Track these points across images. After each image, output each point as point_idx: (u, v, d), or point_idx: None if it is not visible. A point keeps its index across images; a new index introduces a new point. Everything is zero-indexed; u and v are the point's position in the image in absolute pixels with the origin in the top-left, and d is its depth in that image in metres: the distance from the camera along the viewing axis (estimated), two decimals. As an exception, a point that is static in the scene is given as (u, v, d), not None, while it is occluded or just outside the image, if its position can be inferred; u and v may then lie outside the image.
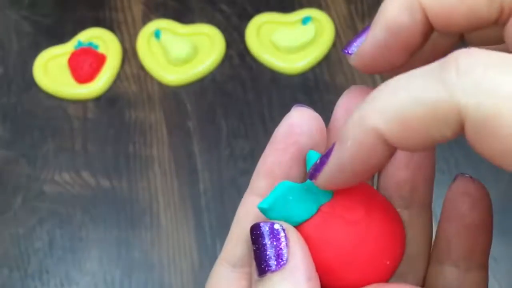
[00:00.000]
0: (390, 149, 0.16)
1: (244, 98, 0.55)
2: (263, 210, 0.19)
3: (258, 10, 0.59)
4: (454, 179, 0.21)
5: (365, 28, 0.19)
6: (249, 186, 0.20)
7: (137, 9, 0.61)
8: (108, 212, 0.51)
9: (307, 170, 0.19)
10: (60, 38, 0.59)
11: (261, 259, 0.18)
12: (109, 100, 0.56)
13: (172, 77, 0.56)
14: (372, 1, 0.59)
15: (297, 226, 0.19)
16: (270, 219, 0.19)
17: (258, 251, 0.18)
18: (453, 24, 0.17)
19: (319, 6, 0.59)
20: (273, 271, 0.17)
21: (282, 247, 0.18)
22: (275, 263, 0.18)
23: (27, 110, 0.56)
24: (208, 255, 0.49)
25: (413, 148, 0.15)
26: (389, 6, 0.18)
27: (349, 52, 0.19)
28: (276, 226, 0.18)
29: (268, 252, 0.18)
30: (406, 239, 0.20)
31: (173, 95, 0.56)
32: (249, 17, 0.59)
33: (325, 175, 0.18)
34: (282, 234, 0.18)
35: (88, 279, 0.49)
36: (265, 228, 0.18)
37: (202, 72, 0.57)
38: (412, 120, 0.15)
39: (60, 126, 0.55)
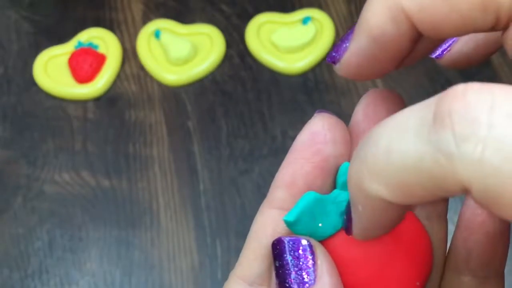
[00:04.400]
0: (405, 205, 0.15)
1: (244, 98, 0.55)
2: (289, 224, 0.17)
3: (258, 10, 0.59)
4: None
5: (347, 35, 0.18)
6: (267, 198, 0.19)
7: (137, 9, 0.61)
8: (108, 212, 0.51)
9: (337, 182, 0.18)
10: (60, 38, 0.59)
11: (285, 277, 0.17)
12: (109, 100, 0.56)
13: (172, 77, 0.56)
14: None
15: (322, 241, 0.18)
16: (295, 233, 0.17)
17: (281, 269, 0.17)
18: (443, 32, 0.16)
19: (319, 6, 0.59)
20: None
21: (310, 266, 0.16)
22: (301, 283, 0.16)
23: (27, 110, 0.56)
24: (208, 255, 0.49)
25: (423, 204, 0.15)
26: (371, 14, 0.16)
27: (334, 61, 0.18)
28: (304, 242, 0.17)
29: (292, 270, 0.16)
30: None
31: (173, 95, 0.56)
32: (249, 17, 0.59)
33: (357, 233, 0.17)
34: (309, 251, 0.17)
35: (88, 279, 0.49)
36: (290, 244, 0.17)
37: (202, 72, 0.57)
38: (413, 186, 0.14)
39: (60, 126, 0.55)
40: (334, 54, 0.18)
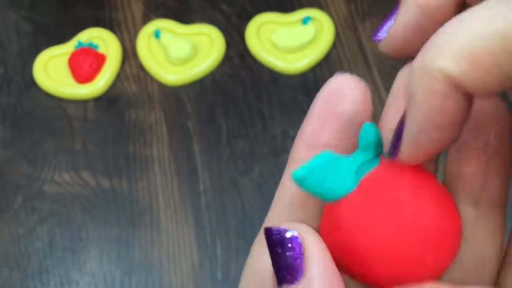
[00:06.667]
0: (467, 96, 0.14)
1: (244, 98, 0.55)
2: (297, 180, 0.16)
3: (258, 10, 0.59)
4: None
5: (393, 11, 0.18)
6: (289, 158, 0.18)
7: (137, 9, 0.61)
8: (108, 212, 0.51)
9: (359, 143, 0.17)
10: (60, 38, 0.59)
11: (277, 268, 0.16)
12: (109, 100, 0.56)
13: (172, 77, 0.56)
14: (372, 1, 0.59)
15: (333, 203, 0.17)
16: (305, 190, 0.17)
17: (273, 259, 0.16)
18: None
19: (319, 6, 0.59)
20: (289, 284, 0.16)
21: (297, 258, 0.16)
22: (290, 275, 0.16)
23: (27, 110, 0.56)
24: (208, 255, 0.49)
25: (489, 89, 0.14)
26: None
27: (379, 38, 0.18)
28: (288, 234, 0.16)
29: (282, 262, 0.16)
30: (471, 242, 0.18)
31: (173, 95, 0.56)
32: (249, 17, 0.59)
33: (408, 145, 0.16)
34: (296, 243, 0.16)
35: (88, 279, 0.49)
36: (276, 234, 0.16)
37: (202, 72, 0.57)
38: (482, 55, 0.13)
39: (60, 126, 0.55)
40: (379, 31, 0.18)
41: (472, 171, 0.17)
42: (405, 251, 0.16)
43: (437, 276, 0.17)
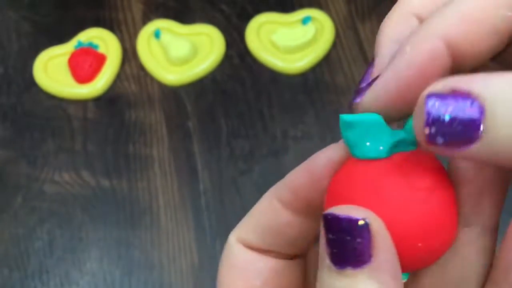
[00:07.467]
0: (449, 60, 0.16)
1: (244, 98, 0.55)
2: (343, 122, 0.17)
3: (258, 10, 0.59)
4: None
5: (367, 70, 0.18)
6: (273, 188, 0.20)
7: (137, 9, 0.61)
8: (108, 212, 0.51)
9: (406, 124, 0.18)
10: (60, 38, 0.59)
11: (340, 251, 0.16)
12: (109, 100, 0.56)
13: (172, 77, 0.56)
14: (372, 1, 0.59)
15: (359, 160, 0.17)
16: (342, 134, 0.17)
17: (335, 241, 0.16)
18: (480, 57, 0.17)
19: (319, 6, 0.59)
20: (354, 268, 0.16)
21: (366, 245, 0.16)
22: (357, 259, 0.16)
23: (27, 110, 0.56)
24: (208, 255, 0.49)
25: (481, 50, 0.16)
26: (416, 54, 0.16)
27: (361, 96, 0.18)
28: (361, 223, 0.16)
29: (349, 246, 0.16)
30: (458, 259, 0.18)
31: (173, 95, 0.56)
32: (249, 17, 0.59)
33: (376, 89, 0.17)
34: (367, 231, 0.16)
35: (88, 279, 0.49)
36: (346, 222, 0.16)
37: (202, 72, 0.57)
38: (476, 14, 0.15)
39: (60, 126, 0.55)
40: (362, 86, 0.18)
41: (466, 193, 0.18)
42: (408, 226, 0.17)
43: (432, 259, 0.17)
